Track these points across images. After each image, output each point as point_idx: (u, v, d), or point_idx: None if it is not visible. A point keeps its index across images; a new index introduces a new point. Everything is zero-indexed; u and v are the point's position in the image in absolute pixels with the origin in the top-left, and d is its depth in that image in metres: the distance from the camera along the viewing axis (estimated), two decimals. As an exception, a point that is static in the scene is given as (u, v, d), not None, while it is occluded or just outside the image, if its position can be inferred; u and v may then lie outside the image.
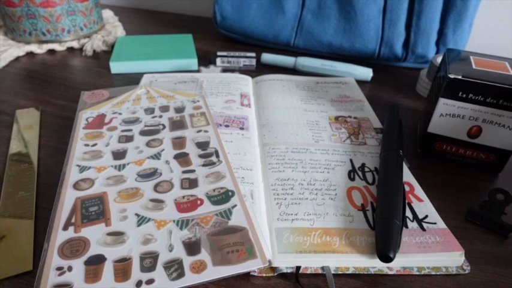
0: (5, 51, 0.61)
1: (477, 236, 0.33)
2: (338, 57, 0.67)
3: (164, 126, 0.41)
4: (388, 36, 0.62)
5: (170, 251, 0.28)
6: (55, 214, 0.30)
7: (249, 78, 0.56)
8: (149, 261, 0.27)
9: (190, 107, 0.46)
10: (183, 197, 0.32)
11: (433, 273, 0.30)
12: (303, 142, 0.42)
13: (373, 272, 0.29)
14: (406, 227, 0.32)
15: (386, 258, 0.28)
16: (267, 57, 0.63)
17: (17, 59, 0.62)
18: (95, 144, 0.38)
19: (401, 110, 0.51)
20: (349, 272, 0.29)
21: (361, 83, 0.59)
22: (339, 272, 0.29)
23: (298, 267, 0.29)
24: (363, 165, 0.39)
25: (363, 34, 0.62)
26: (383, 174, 0.36)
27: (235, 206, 0.32)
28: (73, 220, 0.30)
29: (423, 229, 0.32)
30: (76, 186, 0.33)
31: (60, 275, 0.26)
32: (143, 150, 0.37)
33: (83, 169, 0.35)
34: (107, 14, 0.79)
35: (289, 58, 0.62)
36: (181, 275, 0.26)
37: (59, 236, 0.28)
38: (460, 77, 0.37)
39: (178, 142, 0.39)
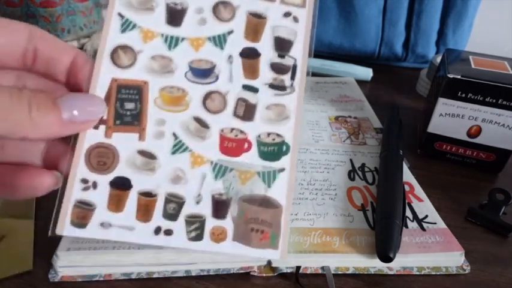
0: (5, 51, 0.61)
1: (477, 236, 0.33)
2: (338, 57, 0.67)
3: None
4: (388, 36, 0.62)
5: (197, 202, 0.24)
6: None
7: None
8: (173, 206, 0.24)
9: None
10: (231, 130, 0.25)
11: (433, 273, 0.30)
12: (303, 142, 0.42)
13: (373, 272, 0.29)
14: (406, 227, 0.32)
15: (386, 258, 0.28)
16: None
17: (17, 59, 0.62)
18: None
19: (401, 110, 0.51)
20: (349, 272, 0.29)
21: (361, 83, 0.59)
22: (339, 272, 0.29)
23: (298, 267, 0.29)
24: (363, 165, 0.39)
25: (363, 34, 0.62)
26: (383, 174, 0.36)
27: (282, 170, 0.25)
28: (105, 116, 0.24)
29: (423, 229, 0.32)
30: (114, 56, 0.25)
31: (84, 189, 0.23)
32: (206, 20, 0.26)
33: (126, 25, 0.25)
34: (107, 14, 0.79)
35: (289, 58, 0.62)
36: (199, 237, 0.24)
37: (88, 135, 0.23)
38: (459, 77, 0.37)
39: (255, 25, 0.27)
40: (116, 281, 0.29)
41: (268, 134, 0.26)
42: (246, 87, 0.26)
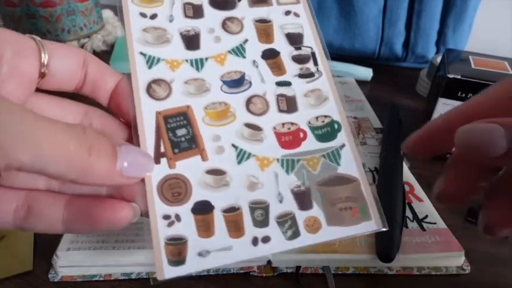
0: (5, 51, 0.61)
1: (477, 236, 0.33)
2: (338, 57, 0.67)
3: None
4: (388, 36, 0.62)
5: (280, 201, 0.24)
6: (136, 138, 0.23)
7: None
8: (260, 213, 0.24)
9: None
10: (283, 124, 0.26)
11: (433, 273, 0.30)
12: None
13: (373, 272, 0.29)
14: (406, 227, 0.32)
15: (386, 258, 0.28)
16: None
17: (17, 59, 0.62)
18: (154, 16, 0.27)
19: (401, 110, 0.51)
20: (349, 272, 0.29)
21: (361, 83, 0.59)
22: (339, 272, 0.29)
23: (298, 267, 0.29)
24: (363, 165, 0.39)
25: (362, 34, 0.62)
26: (383, 174, 0.36)
27: (343, 146, 0.26)
28: (162, 149, 0.24)
29: (423, 229, 0.32)
30: (150, 91, 0.25)
31: (169, 225, 0.22)
32: (220, 37, 0.27)
33: (150, 61, 0.26)
34: (107, 14, 0.79)
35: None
36: (296, 233, 0.23)
37: (154, 172, 0.23)
38: (459, 77, 0.37)
39: (264, 29, 0.29)
40: (116, 281, 0.29)
41: (317, 118, 0.27)
42: (279, 83, 0.27)
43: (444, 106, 0.39)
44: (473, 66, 0.39)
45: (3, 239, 0.30)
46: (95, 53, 0.66)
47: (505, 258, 0.32)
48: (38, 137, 0.16)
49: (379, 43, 0.63)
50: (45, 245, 0.30)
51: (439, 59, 0.55)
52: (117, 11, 0.25)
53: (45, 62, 0.20)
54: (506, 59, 0.42)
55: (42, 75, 0.20)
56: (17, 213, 0.19)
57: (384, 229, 0.24)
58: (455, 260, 0.30)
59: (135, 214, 0.21)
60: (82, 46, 0.67)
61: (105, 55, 0.65)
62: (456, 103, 0.38)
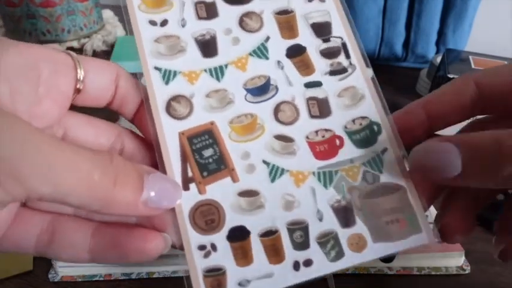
0: (5, 51, 0.61)
1: (477, 236, 0.33)
2: (338, 57, 0.67)
3: None
4: (388, 36, 0.62)
5: (320, 219, 0.22)
6: (161, 163, 0.22)
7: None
8: (299, 234, 0.22)
9: None
10: (316, 132, 0.24)
11: (433, 273, 0.30)
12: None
13: (373, 272, 0.29)
14: (406, 227, 0.32)
15: (386, 258, 0.28)
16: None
17: (17, 59, 0.62)
18: (164, 22, 0.24)
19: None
20: (349, 272, 0.29)
21: (361, 83, 0.59)
22: (339, 272, 0.29)
23: (298, 267, 0.29)
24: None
25: (362, 34, 0.62)
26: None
27: (385, 150, 0.24)
28: (189, 173, 0.22)
29: (423, 229, 0.32)
30: (170, 110, 0.23)
31: (205, 256, 0.21)
32: (239, 38, 0.25)
33: (167, 76, 0.24)
34: (107, 14, 0.79)
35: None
36: (340, 254, 0.22)
37: (183, 200, 0.22)
38: (460, 77, 0.37)
39: (286, 22, 0.26)
40: (116, 280, 0.29)
41: (353, 121, 0.24)
42: (309, 85, 0.24)
43: (444, 106, 0.39)
44: (473, 66, 0.39)
45: (3, 239, 0.30)
46: (95, 53, 0.66)
47: (505, 258, 0.32)
48: (59, 167, 0.15)
49: (379, 43, 0.63)
50: (45, 245, 0.30)
51: (439, 59, 0.55)
52: (125, 24, 0.24)
53: (81, 78, 0.20)
54: (506, 59, 0.42)
55: (77, 91, 0.20)
56: (41, 238, 0.18)
57: (437, 241, 0.22)
58: (455, 260, 0.30)
59: (167, 245, 0.20)
60: (82, 46, 0.67)
61: (105, 55, 0.65)
62: (456, 103, 0.38)
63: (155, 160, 0.21)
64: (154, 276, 0.29)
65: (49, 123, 0.19)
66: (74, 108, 0.21)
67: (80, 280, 0.28)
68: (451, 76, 0.37)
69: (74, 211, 0.20)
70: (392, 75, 0.63)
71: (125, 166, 0.17)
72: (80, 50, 0.67)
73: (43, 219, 0.19)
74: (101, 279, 0.29)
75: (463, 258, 0.30)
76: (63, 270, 0.28)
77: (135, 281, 0.29)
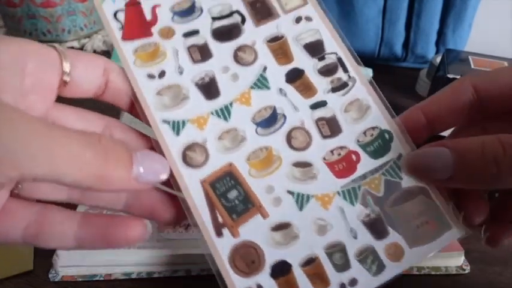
0: (5, 51, 0.61)
1: (477, 236, 0.33)
2: (338, 57, 0.67)
3: (243, 17, 0.26)
4: (388, 36, 0.62)
5: (355, 237, 0.23)
6: (190, 214, 0.22)
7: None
8: (339, 256, 0.22)
9: None
10: (331, 151, 0.24)
11: (433, 273, 0.30)
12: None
13: (372, 272, 0.29)
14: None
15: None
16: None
17: (17, 59, 0.62)
18: (162, 74, 0.24)
19: (401, 110, 0.51)
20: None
21: (361, 83, 0.59)
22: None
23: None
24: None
25: (362, 34, 0.62)
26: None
27: (400, 156, 0.24)
28: (220, 219, 0.22)
29: (423, 229, 0.32)
30: (187, 160, 0.23)
31: None
32: (238, 74, 0.25)
33: (176, 127, 0.24)
34: (107, 14, 0.80)
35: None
36: (381, 267, 0.22)
37: (220, 247, 0.22)
38: (458, 77, 0.37)
39: (279, 48, 0.26)
40: (116, 280, 0.29)
41: (364, 133, 0.24)
42: (314, 106, 0.25)
43: (444, 106, 0.39)
44: (472, 67, 0.39)
45: (4, 239, 0.30)
46: (95, 53, 0.66)
47: (504, 258, 0.32)
48: (52, 149, 0.16)
49: (379, 43, 0.63)
50: (46, 245, 0.30)
51: (438, 59, 0.55)
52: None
53: (67, 71, 0.20)
54: (505, 59, 0.42)
55: (64, 84, 0.20)
56: (28, 230, 0.19)
57: (467, 234, 0.23)
58: (455, 260, 0.30)
59: (148, 232, 0.21)
60: (82, 46, 0.67)
61: (105, 55, 0.65)
62: (456, 103, 0.38)
63: (145, 149, 0.22)
64: (154, 276, 0.29)
65: (36, 115, 0.19)
66: (64, 100, 0.21)
67: (80, 280, 0.28)
68: (450, 76, 0.37)
69: (67, 197, 0.21)
70: (392, 75, 0.63)
71: (113, 144, 0.18)
72: (80, 50, 0.67)
73: (30, 211, 0.19)
74: (101, 279, 0.29)
75: (463, 258, 0.30)
76: (64, 270, 0.28)
77: (135, 280, 0.29)
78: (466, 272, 0.30)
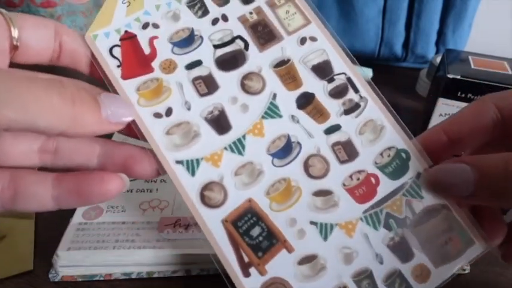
0: (5, 51, 0.61)
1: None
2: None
3: (246, 42, 0.25)
4: (388, 36, 0.62)
5: (381, 262, 0.23)
6: (214, 255, 0.22)
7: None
8: (367, 283, 0.22)
9: None
10: (350, 177, 0.24)
11: (433, 273, 0.30)
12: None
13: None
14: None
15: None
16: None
17: (17, 59, 0.62)
18: (169, 111, 0.23)
19: (401, 110, 0.51)
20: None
21: (361, 83, 0.59)
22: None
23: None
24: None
25: (362, 34, 0.62)
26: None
27: (419, 175, 0.24)
28: (245, 258, 0.22)
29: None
30: (205, 200, 0.22)
31: None
32: (247, 104, 0.24)
33: (191, 167, 0.23)
34: (107, 14, 0.79)
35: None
36: None
37: (248, 285, 0.22)
38: (459, 77, 0.37)
39: (287, 73, 0.25)
40: (116, 280, 0.29)
41: (381, 154, 0.24)
42: (329, 131, 0.24)
43: (444, 106, 0.39)
44: (472, 67, 0.39)
45: (4, 238, 0.30)
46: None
47: (504, 258, 0.32)
48: (21, 93, 0.16)
49: (379, 43, 0.63)
50: (46, 245, 0.30)
51: (438, 59, 0.55)
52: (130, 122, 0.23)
53: (16, 35, 0.20)
54: (505, 59, 0.42)
55: (14, 48, 0.20)
56: (3, 195, 0.19)
57: (489, 249, 0.23)
58: (455, 260, 0.30)
59: (125, 184, 0.21)
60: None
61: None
62: (456, 103, 0.38)
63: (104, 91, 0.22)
64: (154, 276, 0.29)
65: None
66: (22, 67, 0.21)
67: (80, 280, 0.28)
68: (450, 76, 0.37)
69: (40, 161, 0.21)
70: (392, 75, 0.63)
71: (77, 88, 0.18)
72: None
73: (2, 176, 0.19)
74: (101, 279, 0.29)
75: (463, 258, 0.30)
76: (64, 270, 0.28)
77: (135, 280, 0.29)
78: (466, 272, 0.30)
